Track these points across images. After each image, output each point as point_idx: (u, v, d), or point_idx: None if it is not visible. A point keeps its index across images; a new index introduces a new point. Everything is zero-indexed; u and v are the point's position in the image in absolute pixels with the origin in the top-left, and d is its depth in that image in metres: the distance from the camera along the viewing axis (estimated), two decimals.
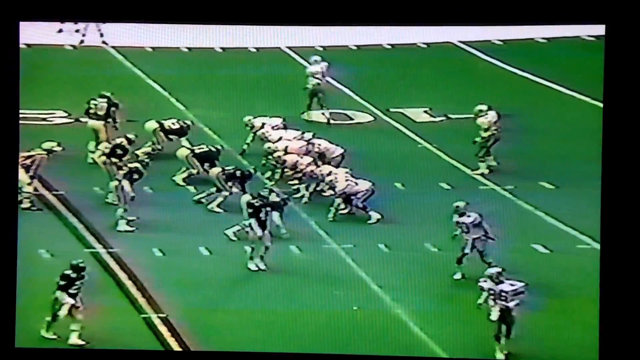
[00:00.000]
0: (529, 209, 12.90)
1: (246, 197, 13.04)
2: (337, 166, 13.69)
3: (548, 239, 12.46)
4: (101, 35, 14.79)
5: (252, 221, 12.62)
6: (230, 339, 11.99)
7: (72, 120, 14.35)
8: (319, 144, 13.88)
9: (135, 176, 13.40)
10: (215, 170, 13.71)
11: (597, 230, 12.07)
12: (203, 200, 13.47)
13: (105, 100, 14.37)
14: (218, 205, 13.53)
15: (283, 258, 12.76)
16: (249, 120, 14.16)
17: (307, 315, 12.17)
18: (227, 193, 13.51)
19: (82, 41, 14.84)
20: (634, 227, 11.78)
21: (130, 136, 13.95)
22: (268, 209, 12.73)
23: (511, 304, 11.37)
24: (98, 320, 12.10)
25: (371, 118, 14.28)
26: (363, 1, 12.19)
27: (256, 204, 12.67)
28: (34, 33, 13.29)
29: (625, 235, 11.79)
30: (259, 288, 12.45)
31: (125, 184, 13.27)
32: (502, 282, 11.46)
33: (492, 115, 13.43)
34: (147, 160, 13.74)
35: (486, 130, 13.39)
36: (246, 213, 12.78)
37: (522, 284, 11.46)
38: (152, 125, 14.33)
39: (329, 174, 13.48)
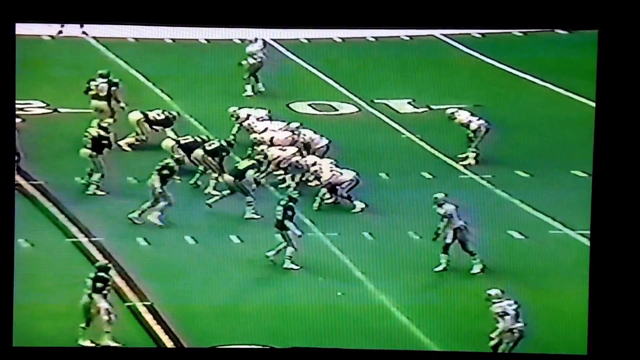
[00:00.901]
0: (505, 197, 13.33)
1: (227, 177, 13.36)
2: (321, 157, 13.91)
3: (523, 225, 12.89)
4: (81, 25, 14.98)
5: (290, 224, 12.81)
6: (215, 326, 12.17)
7: (50, 111, 14.35)
8: (304, 134, 14.11)
9: (165, 172, 13.38)
10: (199, 153, 13.82)
11: (569, 216, 12.68)
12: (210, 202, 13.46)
13: (105, 80, 14.44)
14: (214, 188, 13.60)
15: (269, 246, 12.92)
16: (234, 111, 14.36)
17: (291, 302, 12.40)
18: (215, 174, 13.62)
19: (60, 32, 15.03)
20: (623, 216, 12.22)
21: (104, 124, 13.85)
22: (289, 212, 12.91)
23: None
24: (81, 310, 12.10)
25: (356, 109, 14.52)
26: (346, 3, 12.46)
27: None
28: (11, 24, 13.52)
29: (614, 224, 12.22)
30: (244, 276, 12.64)
31: (155, 180, 13.29)
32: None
33: (464, 115, 13.80)
34: (182, 158, 13.70)
35: (467, 127, 13.78)
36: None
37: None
38: (136, 116, 14.48)
39: (314, 164, 13.72)
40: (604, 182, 12.34)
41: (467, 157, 13.74)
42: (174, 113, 14.54)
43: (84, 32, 14.91)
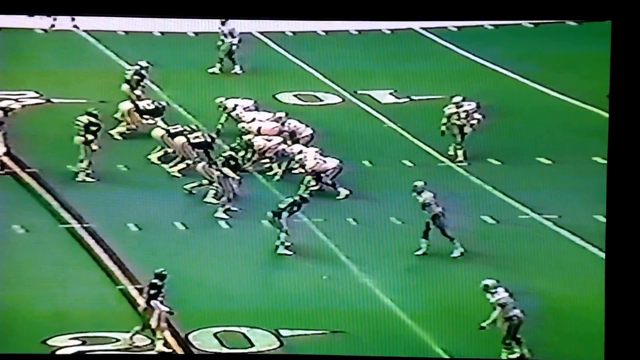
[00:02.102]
0: (479, 184, 13.55)
1: (202, 164, 13.43)
2: (306, 145, 13.96)
3: (494, 210, 13.13)
4: (72, 19, 15.01)
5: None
6: (204, 308, 12.24)
7: (43, 101, 14.37)
8: (290, 124, 14.19)
9: (232, 162, 13.48)
10: (180, 141, 13.89)
11: (536, 202, 13.02)
12: (194, 191, 13.55)
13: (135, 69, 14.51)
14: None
15: (257, 232, 12.99)
16: (221, 102, 14.46)
17: (279, 286, 12.51)
18: (191, 162, 13.72)
19: (53, 25, 15.09)
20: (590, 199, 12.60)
21: (94, 112, 13.88)
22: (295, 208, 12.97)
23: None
24: (75, 294, 12.31)
25: (340, 100, 14.63)
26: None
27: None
28: (5, 17, 13.40)
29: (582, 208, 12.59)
30: (233, 260, 12.71)
31: (227, 171, 13.34)
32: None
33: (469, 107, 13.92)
34: (237, 147, 13.79)
35: (449, 119, 13.87)
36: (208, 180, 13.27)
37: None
38: (126, 105, 14.58)
39: (299, 152, 13.79)
40: (569, 169, 12.71)
41: (456, 155, 13.86)
42: (163, 103, 14.56)
43: (75, 26, 15.04)
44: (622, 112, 12.43)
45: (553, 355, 11.97)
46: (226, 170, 13.40)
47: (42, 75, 14.54)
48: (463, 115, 13.89)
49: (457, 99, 13.93)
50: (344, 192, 13.61)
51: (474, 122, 13.93)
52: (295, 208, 12.97)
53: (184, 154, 13.94)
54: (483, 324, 11.81)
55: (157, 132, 14.19)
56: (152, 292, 12.07)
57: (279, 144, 14.06)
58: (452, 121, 13.90)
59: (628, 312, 12.17)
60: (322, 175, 13.66)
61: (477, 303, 12.05)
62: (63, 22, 14.67)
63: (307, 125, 14.21)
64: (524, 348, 11.83)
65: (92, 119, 13.86)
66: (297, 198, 13.06)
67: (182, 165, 13.92)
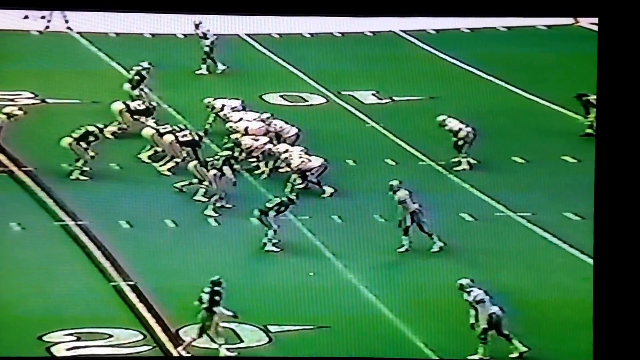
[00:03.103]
0: (458, 182, 13.73)
1: (193, 163, 13.51)
2: (292, 145, 14.02)
3: (473, 208, 13.31)
4: (66, 21, 15.02)
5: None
6: (194, 305, 12.13)
7: (38, 101, 14.44)
8: (275, 124, 14.29)
9: (232, 161, 13.59)
10: (168, 139, 13.97)
11: (511, 200, 13.22)
12: (185, 189, 13.59)
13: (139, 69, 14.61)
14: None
15: (245, 229, 13.09)
16: (209, 102, 14.51)
17: (267, 282, 12.59)
18: (179, 160, 13.80)
19: (47, 27, 15.14)
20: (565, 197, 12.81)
21: (100, 126, 14.04)
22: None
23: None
24: (70, 290, 12.36)
25: (324, 100, 14.75)
26: None
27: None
28: (0, 19, 13.47)
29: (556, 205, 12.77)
30: (222, 257, 12.78)
31: (226, 170, 13.42)
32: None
33: (454, 123, 13.94)
34: (238, 148, 13.84)
35: (456, 135, 13.90)
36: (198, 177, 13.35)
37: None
38: (118, 106, 14.63)
39: (285, 151, 13.86)
40: (541, 168, 12.88)
41: (460, 163, 13.88)
42: (154, 103, 14.65)
43: (68, 27, 15.14)
44: (608, 111, 12.49)
45: (533, 348, 12.06)
46: (226, 169, 13.46)
47: (36, 76, 14.59)
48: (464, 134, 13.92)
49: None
50: (328, 190, 13.67)
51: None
52: (282, 208, 13.04)
53: (172, 152, 14.05)
54: (472, 320, 11.85)
55: (147, 132, 14.21)
56: (215, 298, 12.08)
57: (265, 143, 14.08)
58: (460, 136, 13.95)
59: (603, 303, 12.29)
60: (308, 173, 13.72)
61: (458, 298, 12.15)
62: (57, 24, 14.78)
63: (292, 125, 14.25)
64: (516, 342, 11.84)
65: (96, 133, 13.94)
66: (284, 199, 13.11)
67: (171, 164, 13.95)
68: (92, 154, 13.78)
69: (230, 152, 13.64)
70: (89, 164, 13.77)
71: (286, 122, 14.31)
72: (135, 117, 14.58)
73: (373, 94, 14.71)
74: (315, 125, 14.34)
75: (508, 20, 13.72)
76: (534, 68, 14.37)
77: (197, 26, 14.60)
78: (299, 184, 13.70)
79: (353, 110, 14.67)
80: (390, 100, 14.68)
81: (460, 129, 13.85)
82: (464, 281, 11.98)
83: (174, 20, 13.95)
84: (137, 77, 14.63)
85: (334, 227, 13.18)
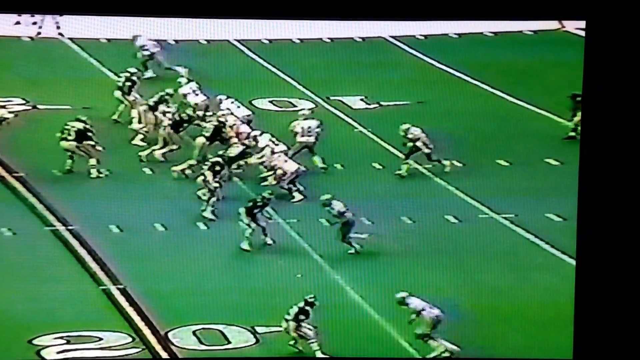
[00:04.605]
0: (443, 185, 14.08)
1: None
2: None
3: (457, 210, 13.67)
4: (58, 27, 15.27)
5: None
6: (183, 306, 12.74)
7: (29, 108, 14.67)
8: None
9: (217, 168, 13.80)
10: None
11: (495, 202, 13.61)
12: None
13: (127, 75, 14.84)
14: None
15: (233, 232, 13.41)
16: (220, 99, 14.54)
17: (253, 284, 12.95)
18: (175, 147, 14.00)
19: (39, 33, 15.34)
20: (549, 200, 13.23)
21: (84, 118, 14.31)
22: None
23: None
24: (60, 294, 12.73)
25: (313, 105, 14.91)
26: None
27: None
28: None
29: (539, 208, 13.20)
30: (210, 260, 13.15)
31: (208, 175, 13.64)
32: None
33: (417, 132, 14.24)
34: (226, 155, 14.02)
35: (414, 142, 14.20)
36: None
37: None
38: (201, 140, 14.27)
39: (265, 147, 14.10)
40: (524, 170, 13.27)
41: (444, 166, 14.21)
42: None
43: (60, 34, 15.44)
44: (594, 112, 12.85)
45: (512, 349, 12.55)
46: (208, 174, 13.67)
47: (27, 82, 14.81)
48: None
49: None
50: (298, 196, 13.94)
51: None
52: (257, 209, 13.37)
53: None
54: (418, 332, 12.40)
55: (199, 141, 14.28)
56: (300, 317, 12.57)
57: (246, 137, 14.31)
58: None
59: (585, 303, 12.70)
60: (281, 175, 13.96)
61: (442, 298, 12.65)
62: (48, 30, 14.97)
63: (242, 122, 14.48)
64: (442, 342, 12.40)
65: (87, 125, 14.24)
66: (259, 199, 13.47)
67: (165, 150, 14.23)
68: (99, 148, 14.00)
69: (219, 159, 13.90)
70: (74, 169, 14.06)
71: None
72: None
73: (361, 99, 15.03)
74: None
75: (495, 26, 14.08)
76: (519, 72, 14.67)
77: (135, 38, 14.90)
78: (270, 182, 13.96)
79: (341, 115, 14.98)
80: (378, 105, 14.98)
81: (419, 138, 14.17)
82: (402, 294, 12.49)
83: (165, 26, 14.24)
84: (128, 83, 14.95)
85: (321, 230, 13.51)
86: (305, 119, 14.49)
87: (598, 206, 12.76)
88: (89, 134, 14.25)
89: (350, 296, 12.97)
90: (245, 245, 13.31)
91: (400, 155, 14.39)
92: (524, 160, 14.14)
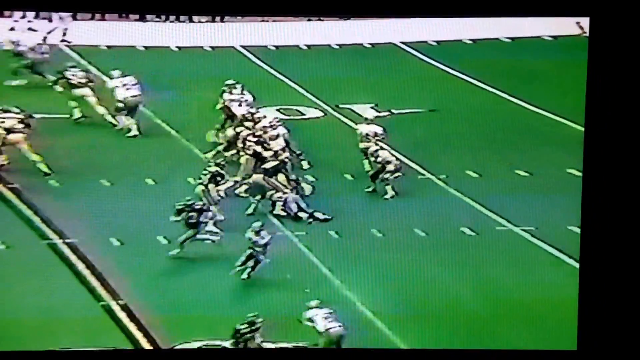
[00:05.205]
0: (458, 196, 13.79)
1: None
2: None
3: (473, 222, 13.40)
4: (64, 34, 15.19)
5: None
6: (187, 322, 12.44)
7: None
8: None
9: (218, 178, 13.52)
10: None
11: (513, 213, 13.33)
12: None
13: (79, 69, 14.72)
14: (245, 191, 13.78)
15: (238, 245, 13.07)
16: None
17: (261, 299, 12.66)
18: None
19: (45, 38, 15.13)
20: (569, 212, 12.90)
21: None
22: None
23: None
24: (58, 310, 12.42)
25: (321, 113, 14.81)
26: None
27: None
28: None
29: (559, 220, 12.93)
30: (214, 274, 12.89)
31: (211, 187, 13.41)
32: None
33: (386, 155, 13.97)
34: (224, 162, 13.73)
35: (385, 166, 13.90)
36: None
37: None
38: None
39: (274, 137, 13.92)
40: (545, 181, 13.01)
41: (386, 192, 13.85)
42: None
43: (63, 41, 15.29)
44: (598, 116, 12.63)
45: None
46: (211, 187, 13.40)
47: (25, 91, 14.71)
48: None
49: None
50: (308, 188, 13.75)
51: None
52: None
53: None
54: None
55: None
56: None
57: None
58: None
59: (602, 320, 12.48)
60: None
61: (460, 314, 12.40)
62: (51, 38, 14.94)
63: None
64: None
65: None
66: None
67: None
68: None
69: (218, 168, 13.66)
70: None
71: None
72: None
73: (372, 107, 14.79)
74: (312, 139, 14.43)
75: (512, 31, 13.84)
76: (538, 79, 14.49)
77: (14, 43, 14.78)
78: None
79: (351, 123, 14.73)
80: (389, 113, 14.77)
81: (390, 161, 13.93)
82: (306, 316, 12.40)
83: (168, 32, 14.13)
84: (83, 79, 14.68)
85: (331, 242, 13.26)
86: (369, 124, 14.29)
87: (603, 209, 12.61)
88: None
89: (361, 311, 12.67)
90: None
91: (414, 165, 14.15)
92: (544, 170, 13.87)
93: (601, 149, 12.63)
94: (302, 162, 14.16)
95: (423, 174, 14.17)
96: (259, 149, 13.98)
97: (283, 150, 14.04)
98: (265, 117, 14.31)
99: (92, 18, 15.24)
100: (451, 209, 13.56)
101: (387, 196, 13.75)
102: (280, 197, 13.56)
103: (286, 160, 13.98)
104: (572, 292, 12.67)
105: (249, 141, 14.07)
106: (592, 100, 12.60)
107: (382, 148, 13.93)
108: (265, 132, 14.13)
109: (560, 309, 12.50)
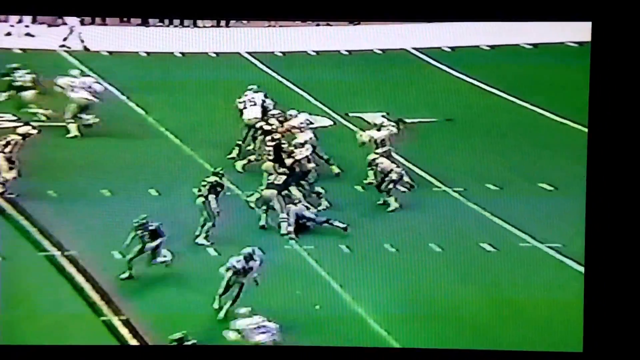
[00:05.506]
0: (476, 210, 13.39)
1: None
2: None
3: (494, 237, 12.98)
4: (82, 40, 14.96)
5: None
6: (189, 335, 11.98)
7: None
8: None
9: (218, 189, 13.18)
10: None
11: (538, 229, 12.92)
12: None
13: (28, 71, 14.45)
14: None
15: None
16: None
17: (270, 314, 12.12)
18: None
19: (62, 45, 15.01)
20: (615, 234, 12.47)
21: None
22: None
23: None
24: (56, 325, 12.05)
25: (331, 122, 14.52)
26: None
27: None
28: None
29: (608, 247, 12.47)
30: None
31: (212, 199, 13.10)
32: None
33: (386, 164, 13.64)
34: (222, 172, 13.36)
35: (386, 175, 13.59)
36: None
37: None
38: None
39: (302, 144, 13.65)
40: (575, 195, 12.67)
41: (389, 204, 13.54)
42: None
43: (61, 46, 15.05)
44: (601, 117, 12.46)
45: None
46: (212, 197, 13.07)
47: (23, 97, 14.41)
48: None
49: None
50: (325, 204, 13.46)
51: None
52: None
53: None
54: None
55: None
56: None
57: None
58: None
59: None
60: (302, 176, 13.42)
61: (475, 335, 12.05)
62: (72, 43, 14.79)
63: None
64: None
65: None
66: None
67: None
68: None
69: (217, 178, 13.27)
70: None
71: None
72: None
73: (382, 116, 14.36)
74: (322, 148, 14.08)
75: (533, 37, 13.50)
76: (562, 88, 14.06)
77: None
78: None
79: (363, 134, 14.12)
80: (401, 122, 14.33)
81: (391, 170, 13.61)
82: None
83: (172, 38, 13.91)
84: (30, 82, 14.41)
85: (341, 257, 12.93)
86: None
87: (607, 211, 12.34)
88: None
89: (373, 329, 12.30)
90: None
91: (429, 177, 13.79)
92: (569, 184, 13.33)
93: (604, 152, 12.48)
94: (332, 167, 13.71)
95: (438, 187, 13.81)
96: (281, 154, 13.63)
97: (308, 160, 13.71)
98: (295, 116, 13.99)
99: (93, 23, 15.02)
100: (469, 223, 13.18)
101: (389, 208, 13.42)
102: (284, 218, 13.22)
103: (310, 169, 13.65)
104: (577, 294, 12.37)
105: (269, 144, 13.70)
106: (597, 104, 12.41)
107: (381, 156, 13.58)
108: (290, 134, 13.82)
109: (566, 311, 12.24)
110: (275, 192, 13.36)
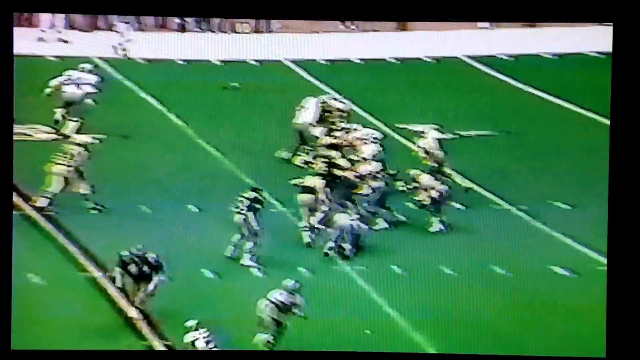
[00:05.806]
0: (545, 230, 12.76)
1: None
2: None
3: (566, 260, 12.38)
4: (123, 49, 14.57)
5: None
6: None
7: (58, 136, 13.87)
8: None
9: (257, 205, 12.78)
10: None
11: (618, 251, 12.14)
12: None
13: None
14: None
15: (284, 273, 12.31)
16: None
17: (316, 340, 11.94)
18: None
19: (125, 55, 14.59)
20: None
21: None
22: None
23: None
24: (97, 348, 11.83)
25: (380, 135, 13.83)
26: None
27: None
28: (20, 43, 12.83)
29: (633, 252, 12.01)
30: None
31: (251, 216, 12.72)
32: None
33: (426, 180, 13.25)
34: (261, 187, 12.98)
35: (426, 190, 13.18)
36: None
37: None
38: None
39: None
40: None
41: (432, 224, 13.08)
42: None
43: (125, 56, 14.67)
44: (623, 116, 12.10)
45: None
46: (250, 215, 12.65)
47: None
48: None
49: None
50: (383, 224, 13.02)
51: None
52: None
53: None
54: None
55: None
56: None
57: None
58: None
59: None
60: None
61: (491, 321, 11.67)
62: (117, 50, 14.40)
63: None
64: None
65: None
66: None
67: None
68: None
69: (256, 194, 12.81)
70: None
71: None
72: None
73: (435, 129, 13.87)
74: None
75: (603, 45, 12.81)
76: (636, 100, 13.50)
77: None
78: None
79: (413, 146, 13.82)
80: (456, 136, 13.87)
81: (433, 187, 13.09)
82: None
83: (211, 44, 13.43)
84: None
85: (394, 278, 12.43)
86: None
87: (631, 214, 11.96)
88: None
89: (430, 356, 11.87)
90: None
91: (487, 194, 13.19)
92: None
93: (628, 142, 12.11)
94: (397, 183, 13.16)
95: (499, 204, 13.24)
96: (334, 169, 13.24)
97: (374, 177, 13.20)
98: (356, 129, 13.59)
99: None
100: (535, 244, 12.56)
101: (431, 229, 12.86)
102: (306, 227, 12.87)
103: (374, 188, 13.16)
104: (600, 299, 11.90)
105: (322, 156, 13.29)
106: (617, 103, 12.14)
107: (423, 171, 13.09)
108: (353, 147, 13.38)
109: (589, 316, 11.82)
110: (349, 221, 12.89)
